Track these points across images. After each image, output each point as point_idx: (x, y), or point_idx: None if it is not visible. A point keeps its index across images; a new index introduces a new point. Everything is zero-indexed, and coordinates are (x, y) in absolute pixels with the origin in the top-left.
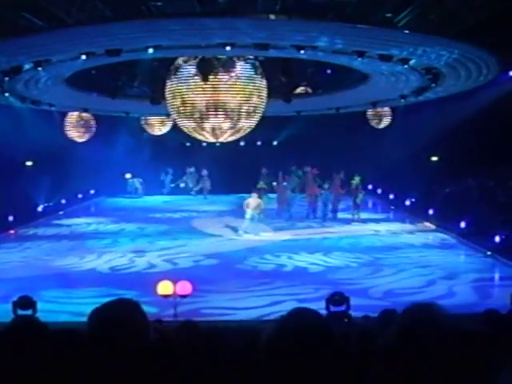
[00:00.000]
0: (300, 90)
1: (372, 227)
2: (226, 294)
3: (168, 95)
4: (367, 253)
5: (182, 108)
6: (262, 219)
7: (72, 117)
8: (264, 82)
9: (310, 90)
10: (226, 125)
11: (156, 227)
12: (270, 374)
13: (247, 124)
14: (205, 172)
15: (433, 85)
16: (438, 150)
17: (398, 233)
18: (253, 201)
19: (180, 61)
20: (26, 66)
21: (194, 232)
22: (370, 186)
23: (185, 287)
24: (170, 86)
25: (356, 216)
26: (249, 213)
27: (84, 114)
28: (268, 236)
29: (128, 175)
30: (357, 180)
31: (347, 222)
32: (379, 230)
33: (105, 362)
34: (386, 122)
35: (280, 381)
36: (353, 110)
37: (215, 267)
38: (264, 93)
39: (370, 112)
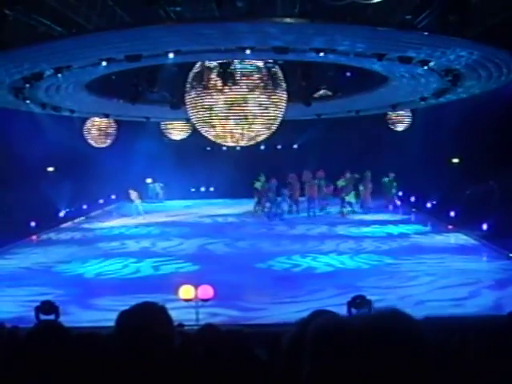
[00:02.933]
0: (322, 92)
1: (393, 229)
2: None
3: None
4: (388, 255)
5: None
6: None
7: (92, 123)
8: (283, 88)
9: (329, 93)
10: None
11: (179, 230)
12: (292, 376)
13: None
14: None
15: (453, 87)
16: (459, 152)
17: (419, 235)
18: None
19: (199, 67)
20: (47, 73)
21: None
22: None
23: (206, 291)
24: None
25: (344, 212)
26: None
27: (104, 120)
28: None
29: (149, 180)
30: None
31: (369, 223)
32: (400, 232)
33: (131, 365)
34: (405, 124)
35: (301, 382)
36: (373, 113)
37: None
38: (283, 99)
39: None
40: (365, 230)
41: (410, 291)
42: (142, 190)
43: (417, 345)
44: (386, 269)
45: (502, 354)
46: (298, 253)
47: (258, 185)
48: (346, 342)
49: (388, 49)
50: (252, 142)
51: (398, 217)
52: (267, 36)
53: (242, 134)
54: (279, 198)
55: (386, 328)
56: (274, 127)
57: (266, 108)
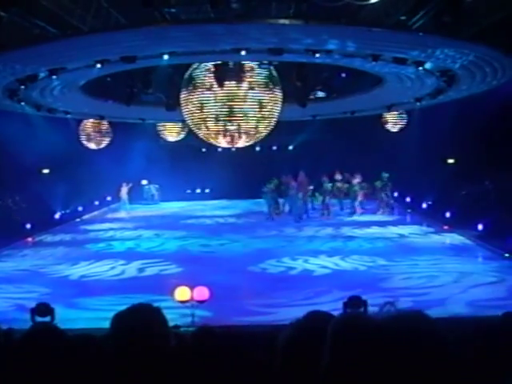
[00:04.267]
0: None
1: (389, 230)
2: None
3: (183, 103)
4: (383, 256)
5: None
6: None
7: (87, 125)
8: (279, 89)
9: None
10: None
11: (172, 233)
12: (287, 377)
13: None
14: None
15: (448, 87)
16: (454, 153)
17: (414, 236)
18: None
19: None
20: (42, 75)
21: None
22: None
23: (202, 293)
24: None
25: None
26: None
27: (99, 122)
28: None
29: (144, 181)
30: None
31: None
32: (396, 232)
33: (126, 367)
34: (401, 125)
35: (296, 383)
36: (368, 114)
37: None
38: (279, 99)
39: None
40: (367, 231)
41: (406, 292)
42: (137, 192)
43: (438, 347)
44: (390, 270)
45: (497, 355)
46: (311, 253)
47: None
48: (368, 338)
49: (383, 49)
50: (249, 143)
51: (393, 217)
52: (262, 37)
53: (238, 133)
54: (299, 201)
55: (409, 327)
56: (270, 126)
57: (261, 106)
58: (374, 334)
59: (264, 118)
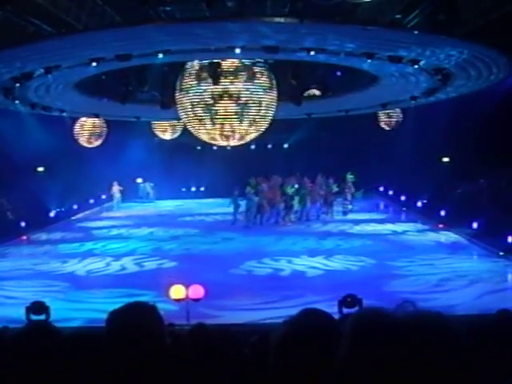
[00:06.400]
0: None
1: (383, 228)
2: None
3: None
4: (377, 255)
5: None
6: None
7: (82, 123)
8: (274, 87)
9: (318, 92)
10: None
11: (169, 231)
12: (281, 374)
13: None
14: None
15: (443, 86)
16: (449, 151)
17: (409, 234)
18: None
19: (189, 65)
20: (37, 73)
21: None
22: (381, 188)
23: (197, 291)
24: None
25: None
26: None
27: (94, 120)
28: None
29: (139, 180)
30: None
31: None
32: (391, 231)
33: (121, 365)
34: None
35: (290, 381)
36: (363, 112)
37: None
38: (274, 97)
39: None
40: (353, 229)
41: (400, 289)
42: (132, 190)
43: (460, 347)
44: (372, 270)
45: (493, 352)
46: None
47: (247, 189)
48: (386, 334)
49: (378, 48)
50: (243, 142)
51: (388, 216)
52: (258, 35)
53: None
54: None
55: (429, 326)
56: (264, 125)
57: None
58: (396, 330)
59: (260, 116)
